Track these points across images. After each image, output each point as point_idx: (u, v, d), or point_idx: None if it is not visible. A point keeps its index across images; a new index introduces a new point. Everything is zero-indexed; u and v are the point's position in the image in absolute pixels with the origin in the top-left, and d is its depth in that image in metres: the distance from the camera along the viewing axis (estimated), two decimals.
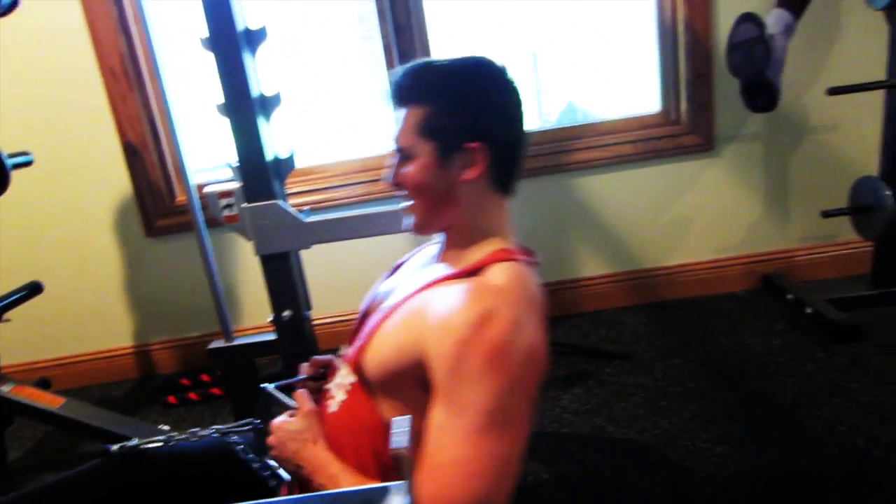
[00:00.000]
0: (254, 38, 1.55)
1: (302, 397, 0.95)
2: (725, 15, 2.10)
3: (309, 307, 1.71)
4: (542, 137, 2.30)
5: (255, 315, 2.39)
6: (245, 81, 1.51)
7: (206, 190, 1.62)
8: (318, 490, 0.85)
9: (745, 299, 2.29)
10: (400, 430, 0.47)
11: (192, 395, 2.15)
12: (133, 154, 2.23)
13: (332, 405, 0.92)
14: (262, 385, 1.04)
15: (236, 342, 1.77)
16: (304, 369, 1.08)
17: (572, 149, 2.26)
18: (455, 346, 0.75)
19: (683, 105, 2.22)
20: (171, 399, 2.15)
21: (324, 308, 2.19)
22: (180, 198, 2.32)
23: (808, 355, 1.88)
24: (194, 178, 1.86)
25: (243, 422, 1.05)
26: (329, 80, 2.58)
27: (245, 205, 1.58)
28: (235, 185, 1.61)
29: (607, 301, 2.38)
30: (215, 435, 1.06)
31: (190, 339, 2.41)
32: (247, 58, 1.52)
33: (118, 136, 2.21)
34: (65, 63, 2.14)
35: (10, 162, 1.75)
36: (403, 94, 0.89)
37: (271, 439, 0.92)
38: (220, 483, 1.06)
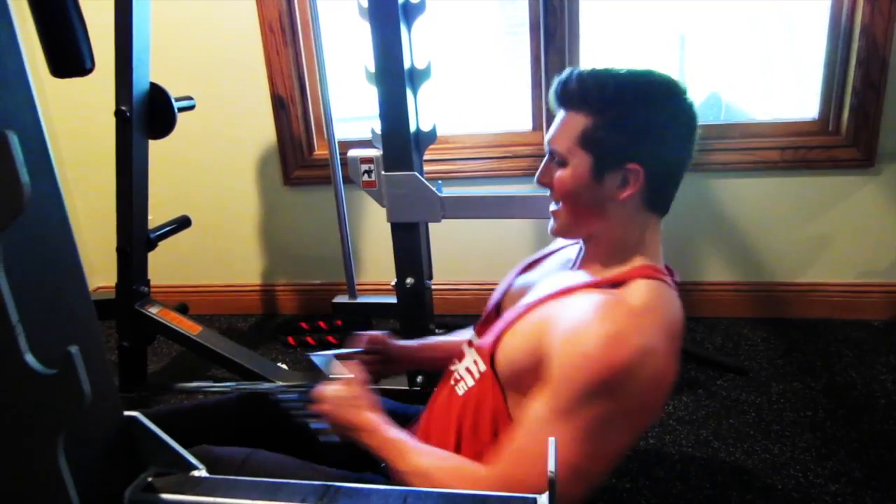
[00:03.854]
0: (412, 11, 1.58)
1: (356, 368, 1.00)
2: None
3: (430, 276, 1.77)
4: None
5: (374, 272, 2.49)
6: (398, 53, 1.55)
7: (350, 154, 1.70)
8: (370, 451, 0.90)
9: (883, 331, 2.13)
10: (551, 454, 0.49)
11: (310, 339, 2.29)
12: (281, 106, 2.35)
13: (460, 388, 0.96)
14: (313, 354, 1.10)
15: (359, 300, 1.86)
16: (360, 343, 1.16)
17: (714, 148, 2.16)
18: (579, 356, 0.76)
19: (846, 115, 2.05)
20: (290, 340, 2.30)
21: (441, 275, 2.26)
22: (318, 152, 2.43)
23: None
24: (337, 135, 1.94)
25: (298, 384, 1.13)
26: (471, 47, 2.59)
27: (384, 173, 1.64)
28: (376, 152, 1.68)
29: (727, 309, 2.29)
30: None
31: (312, 286, 2.56)
32: (402, 30, 1.55)
33: (269, 88, 2.34)
34: (229, 17, 2.28)
35: (177, 105, 1.91)
36: (570, 97, 0.86)
37: (324, 405, 0.96)
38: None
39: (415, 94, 1.61)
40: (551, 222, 0.94)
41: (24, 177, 0.40)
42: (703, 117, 2.55)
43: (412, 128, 1.61)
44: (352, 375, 0.99)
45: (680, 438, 1.67)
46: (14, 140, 0.39)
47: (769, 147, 2.12)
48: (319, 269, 2.52)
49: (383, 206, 1.68)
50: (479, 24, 2.64)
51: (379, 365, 1.17)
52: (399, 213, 1.66)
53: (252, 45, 2.29)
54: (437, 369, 1.10)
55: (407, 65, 1.58)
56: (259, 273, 2.61)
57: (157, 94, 1.87)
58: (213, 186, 2.50)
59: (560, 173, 0.88)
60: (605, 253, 0.91)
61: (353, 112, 2.41)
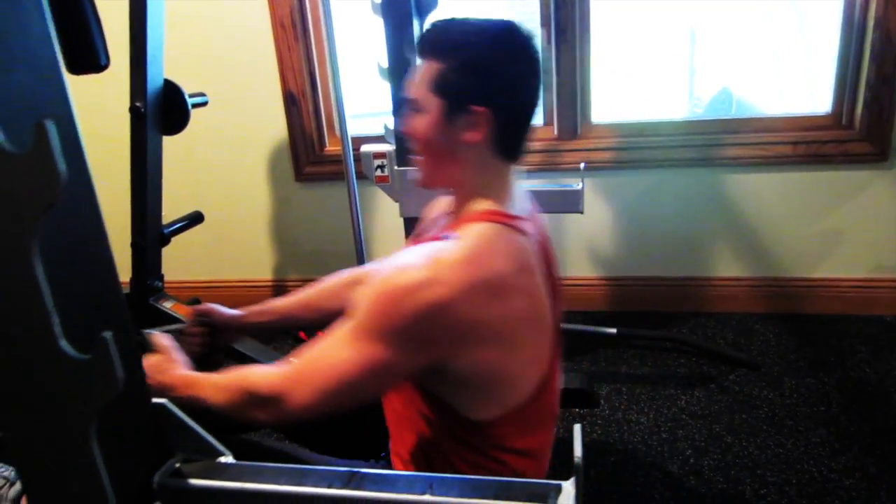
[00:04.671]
0: (425, 6, 1.59)
1: (156, 337, 1.03)
2: None
3: None
4: (693, 128, 2.21)
5: None
6: (411, 49, 1.56)
7: (363, 149, 1.71)
8: (185, 400, 0.93)
9: None
10: (577, 440, 0.50)
11: (320, 333, 2.30)
12: (292, 102, 2.36)
13: None
14: (141, 330, 1.12)
15: None
16: (188, 317, 1.21)
17: (725, 143, 2.15)
18: (367, 288, 0.81)
19: (859, 109, 2.04)
20: (302, 334, 2.32)
21: None
22: (329, 147, 2.44)
23: None
24: (349, 131, 1.94)
25: None
26: None
27: (397, 168, 1.65)
28: (390, 147, 1.68)
29: (738, 305, 2.28)
30: None
31: None
32: (415, 25, 1.56)
33: (280, 84, 2.35)
34: (241, 14, 2.29)
35: (190, 101, 1.92)
36: (424, 46, 0.90)
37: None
38: None
39: None
40: (416, 174, 0.96)
41: (62, 165, 0.41)
42: (714, 112, 2.56)
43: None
44: (160, 345, 1.04)
45: (693, 433, 1.67)
46: (52, 129, 0.40)
47: (782, 142, 2.11)
48: (331, 264, 2.51)
49: (396, 201, 1.69)
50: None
51: (209, 336, 1.20)
52: (412, 207, 1.66)
53: (263, 42, 2.30)
54: (276, 333, 1.11)
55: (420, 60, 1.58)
56: (271, 268, 2.62)
57: (171, 91, 1.88)
58: (226, 182, 2.51)
59: (416, 119, 0.91)
60: (462, 201, 0.93)
61: (363, 108, 2.42)
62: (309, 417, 0.84)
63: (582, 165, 1.72)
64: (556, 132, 2.26)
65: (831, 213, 2.16)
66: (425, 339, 0.79)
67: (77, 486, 0.50)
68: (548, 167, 2.24)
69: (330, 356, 0.82)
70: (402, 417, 0.98)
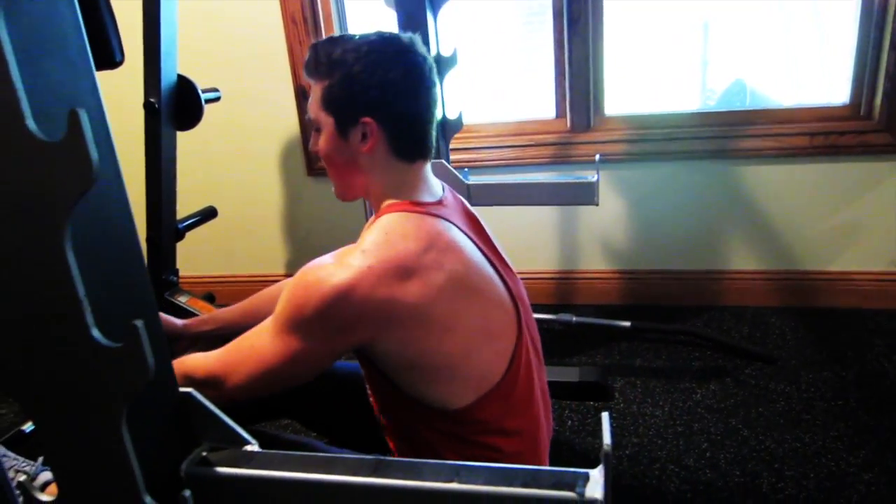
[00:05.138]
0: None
1: None
2: None
3: None
4: (707, 119, 2.19)
5: None
6: (425, 41, 1.55)
7: None
8: None
9: None
10: (605, 428, 0.49)
11: None
12: (304, 97, 2.36)
13: None
14: None
15: None
16: None
17: (740, 135, 2.14)
18: (289, 283, 0.87)
19: (878, 99, 2.02)
20: None
21: None
22: None
23: None
24: None
25: None
26: (487, 38, 2.58)
27: None
28: None
29: (753, 298, 2.26)
30: None
31: None
32: (429, 17, 1.56)
33: (292, 79, 2.35)
34: (252, 9, 2.29)
35: (204, 97, 1.93)
36: (310, 67, 0.94)
37: None
38: None
39: (441, 81, 1.61)
40: (333, 189, 1.01)
41: (94, 154, 0.41)
42: (728, 104, 2.54)
43: (439, 115, 1.61)
44: None
45: (708, 426, 1.66)
46: (85, 117, 0.40)
47: (798, 133, 2.09)
48: None
49: None
50: (494, 15, 2.63)
51: None
52: None
53: (275, 37, 2.30)
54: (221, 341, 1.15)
55: (433, 52, 1.58)
56: (284, 263, 2.63)
57: (185, 87, 1.88)
58: (238, 177, 2.52)
59: (318, 138, 0.95)
60: (375, 206, 0.97)
61: None
62: (244, 398, 0.90)
63: (597, 157, 1.71)
64: (568, 124, 2.25)
65: (848, 205, 2.13)
66: (337, 325, 0.83)
67: (107, 474, 0.51)
68: (560, 160, 2.24)
69: (256, 345, 0.88)
70: (388, 419, 0.99)
